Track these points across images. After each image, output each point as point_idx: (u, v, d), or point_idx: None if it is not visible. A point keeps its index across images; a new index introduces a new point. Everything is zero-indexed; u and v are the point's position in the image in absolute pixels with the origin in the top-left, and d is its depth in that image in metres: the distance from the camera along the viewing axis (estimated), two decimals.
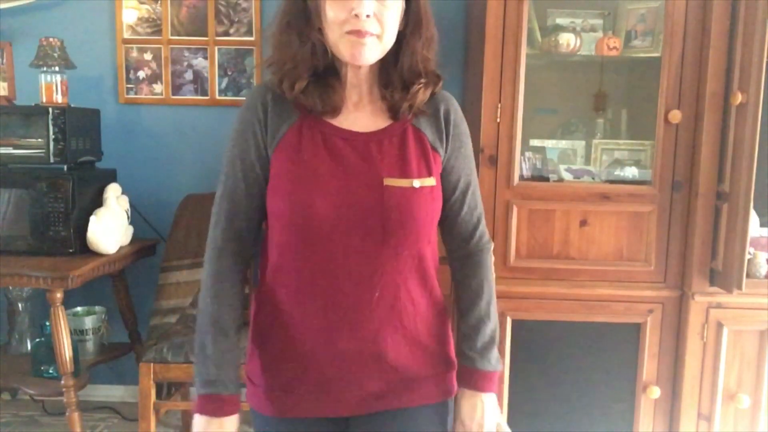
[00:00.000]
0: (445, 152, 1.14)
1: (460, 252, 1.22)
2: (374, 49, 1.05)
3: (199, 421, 1.11)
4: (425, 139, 1.12)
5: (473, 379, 1.18)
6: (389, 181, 1.06)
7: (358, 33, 1.02)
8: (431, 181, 1.10)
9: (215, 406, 1.11)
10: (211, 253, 1.15)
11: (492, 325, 1.19)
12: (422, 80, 1.11)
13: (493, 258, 1.24)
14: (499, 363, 1.20)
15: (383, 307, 1.10)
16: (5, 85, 2.79)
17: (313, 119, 1.10)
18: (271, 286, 1.15)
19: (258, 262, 1.23)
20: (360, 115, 1.12)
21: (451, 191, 1.16)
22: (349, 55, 1.05)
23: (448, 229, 1.21)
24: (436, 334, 1.19)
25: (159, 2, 2.74)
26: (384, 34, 1.05)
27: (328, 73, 1.10)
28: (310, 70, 1.08)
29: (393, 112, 1.12)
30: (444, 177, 1.15)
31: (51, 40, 2.45)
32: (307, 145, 1.08)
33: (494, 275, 1.24)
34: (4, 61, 2.78)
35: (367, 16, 1.02)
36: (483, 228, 1.22)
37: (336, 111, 1.10)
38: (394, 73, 1.11)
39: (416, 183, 1.08)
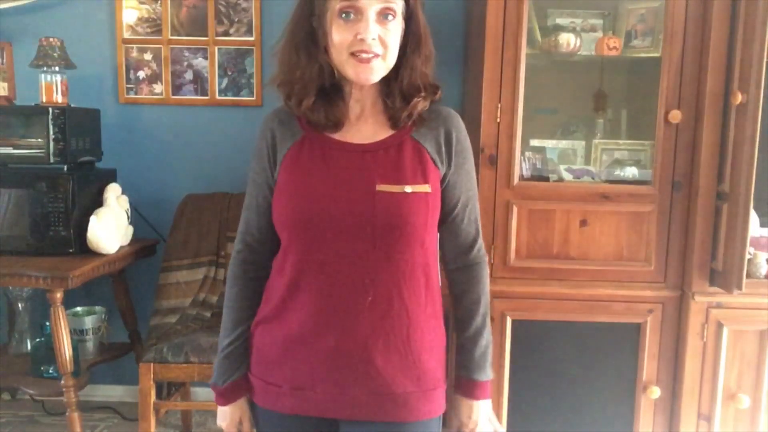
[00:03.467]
0: (447, 168, 1.19)
1: (458, 263, 1.26)
2: (378, 69, 1.12)
3: (219, 411, 1.28)
4: (424, 152, 1.17)
5: (471, 389, 1.25)
6: (382, 187, 1.12)
7: (364, 56, 1.09)
8: (426, 188, 1.14)
9: (216, 396, 1.27)
10: (231, 260, 1.27)
11: (487, 335, 1.25)
12: (422, 94, 1.16)
13: (488, 270, 1.29)
14: (491, 370, 1.27)
15: (376, 313, 1.13)
16: (5, 85, 2.78)
17: (315, 136, 1.18)
18: (273, 285, 1.22)
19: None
20: (362, 128, 1.18)
21: (453, 205, 1.21)
22: (354, 76, 1.11)
23: (448, 242, 1.25)
24: (431, 348, 1.19)
25: (159, 2, 2.74)
26: (387, 54, 1.11)
27: (332, 89, 1.16)
28: (317, 88, 1.15)
29: (393, 121, 1.17)
30: (447, 192, 1.20)
31: (51, 40, 2.45)
32: (305, 159, 1.16)
33: (489, 288, 1.29)
34: (4, 61, 2.78)
35: (373, 39, 1.09)
36: (481, 241, 1.27)
37: (339, 125, 1.17)
38: (394, 86, 1.16)
39: (408, 188, 1.12)
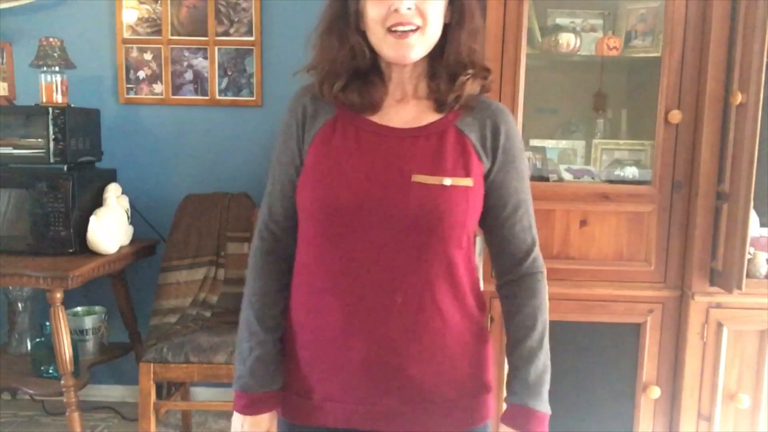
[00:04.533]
0: (492, 164, 1.08)
1: (511, 276, 1.12)
2: (418, 45, 1.02)
3: (234, 417, 1.12)
4: (468, 142, 1.06)
5: (522, 418, 1.08)
6: (418, 178, 1.01)
7: (400, 29, 1.00)
8: (467, 182, 1.03)
9: (244, 403, 1.11)
10: (252, 251, 1.14)
11: (544, 359, 1.11)
12: (469, 71, 1.06)
13: (546, 284, 1.14)
14: (548, 406, 1.10)
15: (407, 316, 1.03)
16: (5, 85, 2.79)
17: (350, 115, 1.08)
18: (296, 286, 1.12)
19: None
20: (402, 112, 1.08)
21: (502, 207, 1.09)
22: (393, 55, 1.03)
23: (499, 250, 1.12)
24: (470, 354, 1.10)
25: (159, 2, 2.75)
26: (427, 27, 1.02)
27: (370, 71, 1.08)
28: (350, 70, 1.06)
29: (439, 104, 1.07)
30: (494, 192, 1.08)
31: (51, 40, 2.45)
32: (338, 140, 1.06)
33: (548, 304, 1.15)
34: (4, 61, 2.78)
35: (408, 9, 0.99)
36: (537, 252, 1.13)
37: (375, 107, 1.07)
38: (440, 66, 1.07)
39: (447, 181, 1.02)
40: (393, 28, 1.00)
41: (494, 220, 1.10)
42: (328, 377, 1.08)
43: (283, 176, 1.11)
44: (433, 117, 1.08)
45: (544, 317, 1.12)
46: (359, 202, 1.01)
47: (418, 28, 1.01)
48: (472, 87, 1.07)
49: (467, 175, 1.04)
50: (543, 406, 1.09)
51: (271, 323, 1.11)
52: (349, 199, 1.01)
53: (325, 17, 1.08)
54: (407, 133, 1.06)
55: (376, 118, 1.07)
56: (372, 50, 1.05)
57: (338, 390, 1.07)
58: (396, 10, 0.99)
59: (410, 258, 1.02)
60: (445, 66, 1.07)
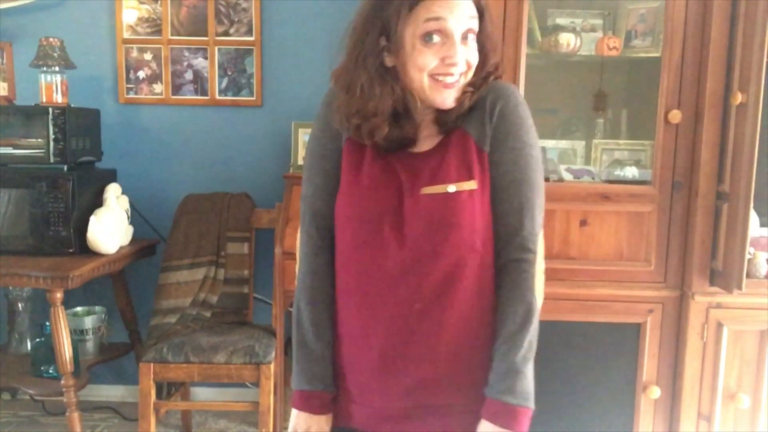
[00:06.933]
0: (490, 146, 1.09)
1: (500, 260, 1.10)
2: (459, 89, 1.07)
3: (298, 417, 1.14)
4: (470, 141, 1.09)
5: (490, 410, 1.06)
6: (425, 190, 1.06)
7: (450, 80, 1.04)
8: (471, 185, 1.06)
9: (316, 403, 1.13)
10: (304, 251, 1.17)
11: (521, 351, 1.05)
12: (470, 89, 1.09)
13: (534, 276, 1.10)
14: (530, 400, 1.06)
15: (423, 321, 1.06)
16: (5, 85, 2.79)
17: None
18: (337, 285, 1.16)
19: None
20: (420, 138, 1.12)
21: (494, 185, 1.09)
22: (440, 101, 1.06)
23: (494, 232, 1.10)
24: (484, 359, 1.09)
25: (159, 2, 2.75)
26: (468, 74, 1.07)
27: (400, 112, 1.09)
28: (389, 118, 1.07)
29: (441, 125, 1.11)
30: (492, 170, 1.09)
31: (51, 40, 2.45)
32: (370, 157, 1.10)
33: (536, 297, 1.09)
34: (4, 61, 2.78)
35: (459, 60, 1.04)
36: (525, 235, 1.08)
37: (411, 146, 1.11)
38: None
39: (451, 188, 1.05)
40: (441, 78, 1.04)
41: (492, 202, 1.09)
42: (351, 376, 1.12)
43: (329, 169, 1.15)
44: (440, 136, 1.11)
45: (527, 309, 1.07)
46: (380, 215, 1.07)
47: (462, 77, 1.06)
48: (470, 101, 1.09)
49: (471, 177, 1.06)
50: (513, 398, 1.05)
51: (332, 321, 1.15)
52: (372, 213, 1.07)
53: (360, 59, 1.07)
54: (420, 156, 1.10)
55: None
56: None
57: (358, 390, 1.11)
58: (451, 64, 1.03)
59: (426, 265, 1.05)
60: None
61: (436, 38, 1.02)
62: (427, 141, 1.11)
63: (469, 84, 1.08)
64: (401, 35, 1.03)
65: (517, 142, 1.08)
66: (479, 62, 1.08)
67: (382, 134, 1.07)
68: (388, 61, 1.06)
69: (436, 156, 1.08)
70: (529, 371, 1.06)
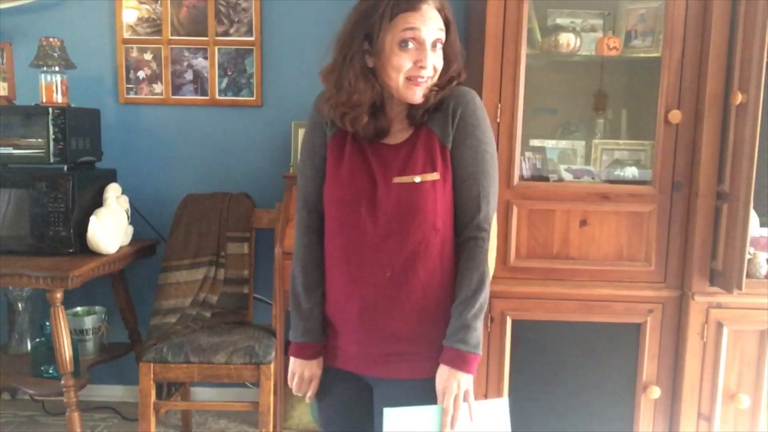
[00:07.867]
0: (451, 143, 1.30)
1: (460, 237, 1.33)
2: (427, 87, 1.28)
3: (294, 363, 1.41)
4: (434, 137, 1.30)
5: (447, 356, 1.29)
6: (397, 179, 1.28)
7: (420, 80, 1.26)
8: (434, 176, 1.28)
9: (308, 352, 1.39)
10: (298, 229, 1.41)
11: (473, 310, 1.28)
12: (435, 89, 1.29)
13: (488, 250, 1.32)
14: (479, 348, 1.29)
15: (393, 286, 1.29)
16: (5, 85, 2.79)
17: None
18: (326, 254, 1.39)
19: None
20: (396, 132, 1.33)
21: (456, 176, 1.30)
22: (411, 97, 1.27)
23: (455, 215, 1.32)
24: (445, 317, 1.31)
25: (159, 2, 2.75)
26: (435, 76, 1.29)
27: (378, 105, 1.31)
28: (370, 109, 1.29)
29: (411, 119, 1.31)
30: (453, 163, 1.30)
31: (51, 40, 2.45)
32: (349, 150, 1.33)
33: (488, 268, 1.31)
34: (4, 61, 2.78)
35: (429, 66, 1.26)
36: (482, 218, 1.31)
37: (384, 136, 1.32)
38: None
39: (417, 179, 1.27)
40: (413, 78, 1.25)
41: (453, 188, 1.31)
42: (338, 327, 1.37)
43: (317, 161, 1.38)
44: (411, 129, 1.33)
45: (479, 278, 1.29)
46: (359, 200, 1.30)
47: (429, 78, 1.28)
48: (435, 99, 1.29)
49: (434, 170, 1.28)
50: (465, 346, 1.27)
51: (322, 279, 1.39)
52: (352, 198, 1.30)
53: (348, 59, 1.27)
54: (393, 147, 1.32)
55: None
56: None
57: (343, 339, 1.36)
58: (422, 67, 1.25)
59: (396, 242, 1.28)
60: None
61: (411, 45, 1.24)
62: (399, 134, 1.33)
63: (435, 84, 1.29)
64: (382, 41, 1.24)
65: (474, 140, 1.30)
66: (444, 67, 1.30)
67: (362, 123, 1.29)
68: (370, 62, 1.27)
69: (406, 149, 1.30)
70: (479, 326, 1.29)
